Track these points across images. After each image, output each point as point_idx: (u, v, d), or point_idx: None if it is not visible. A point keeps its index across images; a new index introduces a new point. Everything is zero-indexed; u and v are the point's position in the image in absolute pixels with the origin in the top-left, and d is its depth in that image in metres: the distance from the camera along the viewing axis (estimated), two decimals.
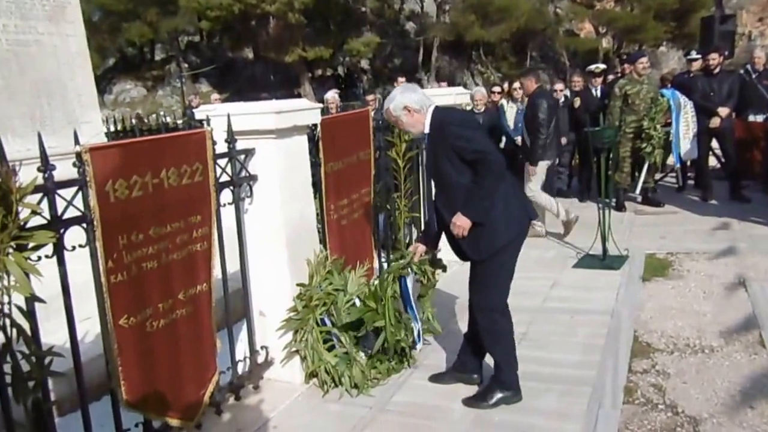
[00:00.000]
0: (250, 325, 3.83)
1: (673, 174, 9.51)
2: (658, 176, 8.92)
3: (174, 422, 3.21)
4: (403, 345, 3.89)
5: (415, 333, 3.98)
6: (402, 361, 3.99)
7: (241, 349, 3.83)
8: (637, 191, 8.36)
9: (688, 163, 9.12)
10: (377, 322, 3.78)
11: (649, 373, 3.79)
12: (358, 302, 3.91)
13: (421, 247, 3.86)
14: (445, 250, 3.84)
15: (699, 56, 9.00)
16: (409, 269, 3.90)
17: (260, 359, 3.86)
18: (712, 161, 8.89)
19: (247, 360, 3.80)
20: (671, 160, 8.43)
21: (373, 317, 3.79)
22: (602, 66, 9.24)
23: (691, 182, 9.32)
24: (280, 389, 3.83)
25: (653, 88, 7.97)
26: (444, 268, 4.13)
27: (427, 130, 3.44)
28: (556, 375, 3.77)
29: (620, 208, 8.00)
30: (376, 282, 3.95)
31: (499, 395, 3.48)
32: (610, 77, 9.88)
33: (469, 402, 3.53)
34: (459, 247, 3.47)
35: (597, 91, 8.82)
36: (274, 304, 3.85)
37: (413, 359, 4.03)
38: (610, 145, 6.23)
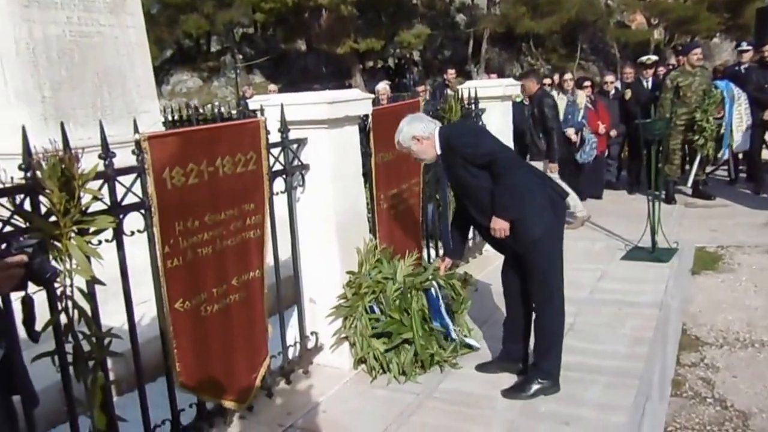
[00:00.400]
0: (301, 311, 3.90)
1: (725, 167, 9.27)
2: (709, 169, 8.73)
3: (227, 404, 3.31)
4: (437, 359, 3.84)
5: (455, 344, 3.95)
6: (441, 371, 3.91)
7: (292, 334, 3.91)
8: (689, 184, 8.20)
9: (740, 155, 8.90)
10: (404, 334, 3.78)
11: (698, 367, 3.75)
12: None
13: (447, 261, 3.96)
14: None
15: (749, 47, 8.79)
16: (433, 282, 3.91)
17: (310, 345, 3.94)
18: (765, 154, 8.68)
19: (298, 345, 3.87)
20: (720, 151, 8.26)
21: (399, 329, 3.79)
22: (654, 57, 9.09)
23: (743, 175, 9.12)
24: (329, 374, 3.89)
25: (706, 80, 7.84)
26: (475, 286, 4.13)
27: (438, 152, 3.54)
28: (603, 366, 3.73)
29: (670, 200, 7.87)
30: (398, 294, 3.90)
31: (537, 386, 3.48)
32: (661, 69, 9.68)
33: (508, 393, 3.53)
34: (498, 242, 3.53)
35: (648, 83, 8.68)
36: (324, 291, 3.91)
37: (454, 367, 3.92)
38: (661, 137, 6.17)
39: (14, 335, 2.00)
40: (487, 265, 5.83)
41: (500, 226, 3.37)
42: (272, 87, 15.54)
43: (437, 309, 3.87)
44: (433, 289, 3.89)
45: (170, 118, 8.00)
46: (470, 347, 4.05)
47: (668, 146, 7.64)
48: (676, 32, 27.44)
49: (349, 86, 25.01)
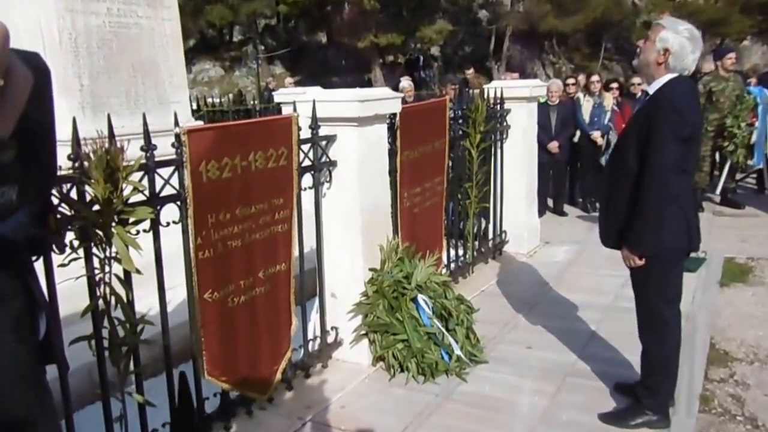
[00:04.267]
0: (323, 306, 3.94)
1: (755, 175, 9.15)
2: (738, 176, 8.63)
3: (249, 394, 3.36)
4: (443, 368, 3.78)
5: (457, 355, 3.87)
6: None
7: (312, 328, 3.96)
8: (717, 191, 8.11)
9: None
10: (400, 335, 3.80)
11: (727, 383, 3.66)
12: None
13: None
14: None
15: None
16: (415, 291, 3.87)
17: (330, 339, 3.98)
18: None
19: (318, 339, 3.91)
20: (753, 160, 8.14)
21: (392, 328, 3.81)
22: None
23: None
24: (348, 370, 3.93)
25: (739, 86, 7.73)
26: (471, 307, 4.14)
27: (650, 90, 3.03)
28: (627, 376, 3.68)
29: (698, 208, 7.72)
30: (392, 291, 3.89)
31: (642, 418, 3.20)
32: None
33: (607, 419, 3.29)
34: (614, 232, 3.16)
35: None
36: (346, 286, 3.95)
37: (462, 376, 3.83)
38: None
39: (55, 306, 2.08)
40: (502, 269, 5.86)
41: (630, 256, 3.06)
42: (289, 80, 15.66)
43: (424, 320, 3.85)
44: (420, 299, 3.88)
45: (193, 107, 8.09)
46: (472, 361, 3.94)
47: (698, 152, 7.57)
48: (705, 34, 27.07)
49: (369, 80, 25.06)
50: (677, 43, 2.91)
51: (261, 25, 30.79)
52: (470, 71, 12.09)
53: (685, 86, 3.00)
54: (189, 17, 25.53)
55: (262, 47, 28.83)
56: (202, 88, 25.78)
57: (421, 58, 28.84)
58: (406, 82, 9.03)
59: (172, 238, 2.88)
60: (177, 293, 3.30)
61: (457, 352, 3.86)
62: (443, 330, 3.89)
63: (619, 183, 3.07)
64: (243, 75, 28.72)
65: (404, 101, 7.86)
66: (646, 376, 3.26)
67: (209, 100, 11.43)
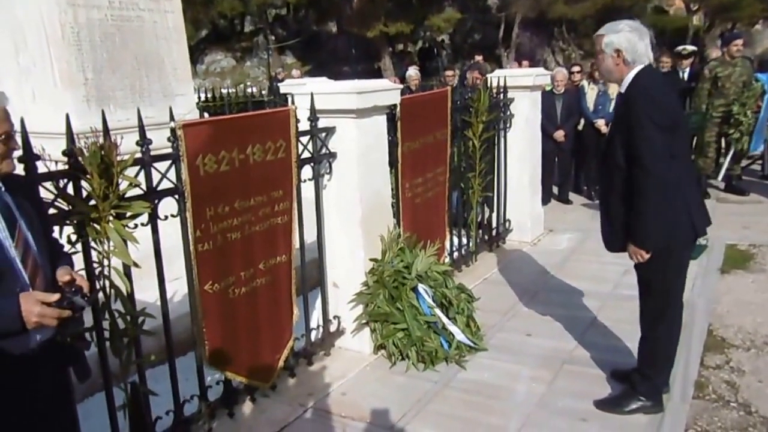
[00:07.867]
0: (324, 296, 3.99)
1: (760, 161, 9.06)
2: (744, 163, 8.54)
3: (251, 382, 3.43)
4: (442, 356, 3.82)
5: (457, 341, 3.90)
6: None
7: (315, 317, 4.01)
8: (720, 177, 8.04)
9: None
10: (400, 324, 3.84)
11: (723, 369, 3.68)
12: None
13: None
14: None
15: None
16: (415, 280, 3.90)
17: (332, 328, 4.04)
18: None
19: (320, 328, 3.97)
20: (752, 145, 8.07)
21: (392, 317, 3.84)
22: (691, 48, 8.80)
23: None
24: (350, 358, 3.99)
25: (747, 71, 7.56)
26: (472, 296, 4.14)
27: (622, 90, 3.03)
28: (624, 363, 3.69)
29: (702, 194, 7.66)
30: (392, 281, 3.92)
31: (637, 404, 3.24)
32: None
33: (602, 405, 3.32)
34: (614, 234, 3.15)
35: (684, 74, 8.47)
36: (348, 276, 4.00)
37: (461, 363, 3.87)
38: (696, 131, 5.98)
39: None
40: (504, 258, 5.89)
41: (637, 252, 3.02)
42: (296, 72, 15.70)
43: (426, 307, 3.90)
44: (420, 288, 3.92)
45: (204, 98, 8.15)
46: (475, 347, 3.98)
47: (703, 139, 7.50)
48: (716, 18, 26.62)
49: (378, 69, 25.02)
50: (623, 39, 2.97)
51: (271, 15, 30.82)
52: (479, 57, 12.08)
53: (654, 74, 3.07)
54: (201, 8, 25.62)
55: (273, 37, 28.86)
56: (214, 78, 25.91)
57: (434, 47, 28.72)
58: (412, 71, 9.03)
59: (175, 230, 2.94)
60: (184, 283, 3.36)
61: (459, 337, 3.90)
62: (444, 318, 3.93)
63: (614, 184, 3.07)
64: (254, 65, 28.80)
65: (410, 90, 7.93)
66: (644, 363, 3.29)
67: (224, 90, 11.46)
